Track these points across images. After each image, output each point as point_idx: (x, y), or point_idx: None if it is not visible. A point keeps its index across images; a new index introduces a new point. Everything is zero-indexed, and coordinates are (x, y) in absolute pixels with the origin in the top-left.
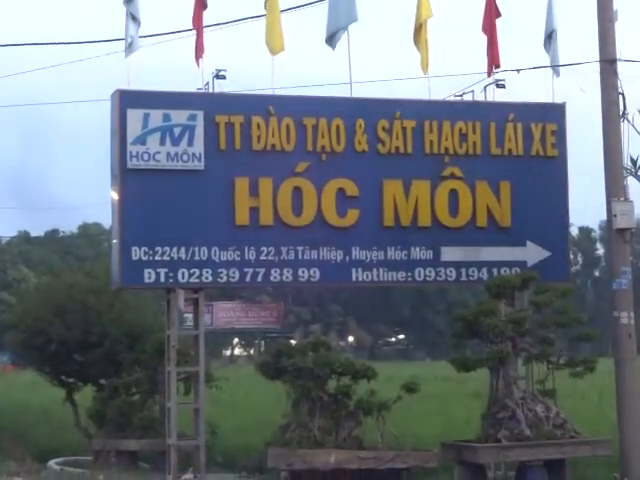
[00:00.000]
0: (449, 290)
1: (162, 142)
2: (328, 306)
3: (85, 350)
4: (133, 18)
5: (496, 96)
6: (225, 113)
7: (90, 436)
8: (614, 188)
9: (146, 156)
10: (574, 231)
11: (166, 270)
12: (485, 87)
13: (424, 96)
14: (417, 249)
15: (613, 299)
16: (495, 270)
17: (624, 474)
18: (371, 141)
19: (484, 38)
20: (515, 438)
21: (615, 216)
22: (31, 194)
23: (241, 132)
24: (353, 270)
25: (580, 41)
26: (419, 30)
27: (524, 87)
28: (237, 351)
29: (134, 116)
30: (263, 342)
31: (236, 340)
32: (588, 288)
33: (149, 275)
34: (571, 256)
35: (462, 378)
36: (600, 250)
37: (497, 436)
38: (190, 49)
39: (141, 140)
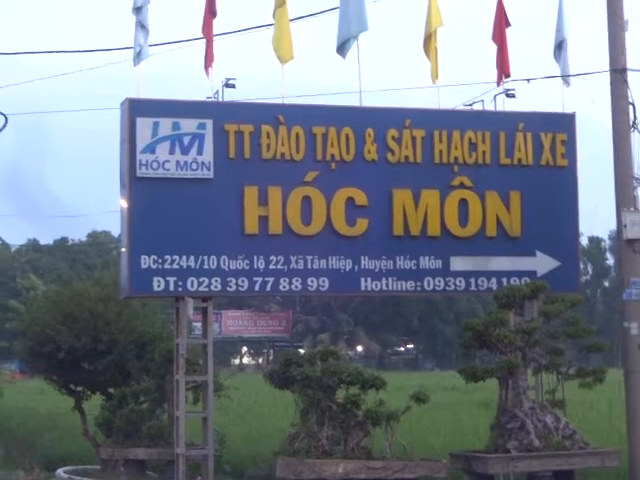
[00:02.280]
0: (458, 300)
1: (171, 151)
2: (337, 315)
3: (93, 358)
4: (142, 27)
5: (506, 106)
6: (234, 122)
7: (98, 445)
8: (624, 198)
9: (155, 165)
10: (584, 241)
11: (175, 279)
12: (495, 96)
13: (434, 105)
14: (426, 259)
15: (623, 310)
16: (504, 280)
17: None
18: (380, 150)
19: (494, 47)
20: (524, 448)
21: (625, 226)
22: (40, 202)
23: (250, 141)
24: (362, 279)
25: (591, 50)
26: (429, 39)
27: (534, 97)
28: (245, 360)
29: (143, 124)
30: (272, 351)
31: (245, 349)
32: (598, 298)
33: (158, 283)
34: (581, 266)
35: (471, 388)
36: (610, 260)
37: (506, 446)
38: (200, 57)
39: (150, 149)
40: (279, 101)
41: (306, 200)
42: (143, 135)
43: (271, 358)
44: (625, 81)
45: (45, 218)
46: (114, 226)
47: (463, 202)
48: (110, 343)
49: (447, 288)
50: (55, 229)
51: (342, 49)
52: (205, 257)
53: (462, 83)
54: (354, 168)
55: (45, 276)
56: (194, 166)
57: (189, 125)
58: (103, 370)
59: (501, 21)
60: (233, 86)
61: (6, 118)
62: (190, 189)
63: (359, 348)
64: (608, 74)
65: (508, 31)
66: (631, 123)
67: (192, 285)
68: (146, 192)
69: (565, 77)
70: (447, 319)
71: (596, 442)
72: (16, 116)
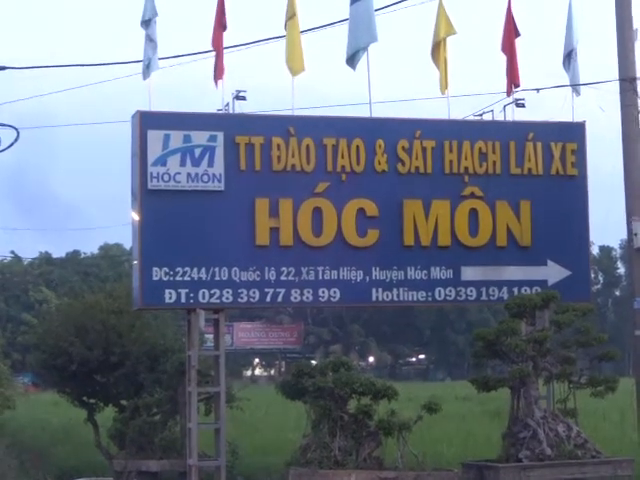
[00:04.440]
0: (469, 310)
1: (182, 163)
2: (348, 326)
3: (106, 370)
4: (151, 40)
5: (516, 115)
6: (245, 134)
7: (111, 456)
8: (634, 207)
9: (166, 177)
10: (595, 250)
11: (187, 290)
12: (505, 106)
13: (444, 116)
14: (437, 269)
15: (634, 318)
16: (515, 289)
17: None
18: (391, 161)
19: (504, 57)
20: (536, 458)
21: (636, 235)
22: (52, 215)
23: (261, 153)
24: (373, 290)
25: (601, 59)
26: (437, 48)
27: (544, 106)
28: (258, 371)
29: (154, 137)
30: (284, 362)
31: (257, 360)
32: (609, 307)
33: (170, 295)
34: (592, 275)
35: (483, 398)
36: (621, 269)
37: (518, 456)
38: (211, 70)
39: (162, 161)
40: (289, 113)
41: (317, 211)
42: (154, 148)
43: (283, 369)
44: (635, 90)
45: (57, 231)
46: (126, 239)
47: (473, 212)
48: (122, 355)
49: (458, 298)
50: (67, 242)
51: (352, 60)
52: (216, 269)
53: (472, 93)
54: (365, 179)
55: (57, 289)
56: (205, 178)
57: (200, 137)
58: (115, 382)
59: (510, 31)
60: (244, 98)
61: (18, 132)
62: (201, 201)
63: (371, 359)
64: (617, 83)
65: (517, 41)
66: None
67: (203, 297)
68: (157, 204)
69: (575, 86)
70: (459, 329)
71: (608, 451)
72: (26, 129)
